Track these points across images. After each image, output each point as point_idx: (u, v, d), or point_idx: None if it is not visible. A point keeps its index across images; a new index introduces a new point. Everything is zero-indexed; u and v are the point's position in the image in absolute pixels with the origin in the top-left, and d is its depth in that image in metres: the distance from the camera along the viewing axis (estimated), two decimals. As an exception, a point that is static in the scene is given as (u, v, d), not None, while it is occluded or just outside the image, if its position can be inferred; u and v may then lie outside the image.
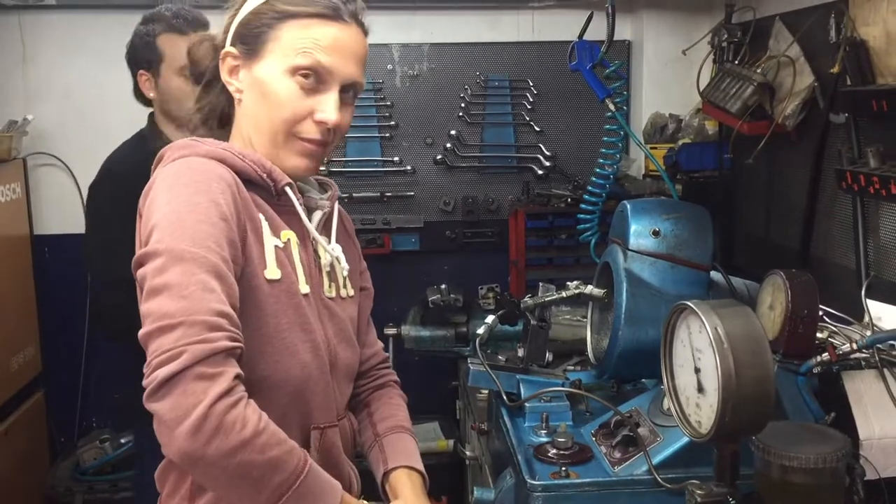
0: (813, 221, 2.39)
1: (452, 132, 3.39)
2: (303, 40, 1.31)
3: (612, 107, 2.27)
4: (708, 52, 2.83)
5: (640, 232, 1.91)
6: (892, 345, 1.66)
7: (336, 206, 1.48)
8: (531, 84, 3.40)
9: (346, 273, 1.46)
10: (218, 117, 1.44)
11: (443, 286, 3.01)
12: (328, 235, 1.44)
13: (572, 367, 2.32)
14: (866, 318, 1.81)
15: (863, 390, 1.64)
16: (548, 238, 3.25)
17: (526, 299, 1.98)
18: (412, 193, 3.42)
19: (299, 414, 1.32)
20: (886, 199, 1.94)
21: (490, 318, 2.04)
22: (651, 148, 3.19)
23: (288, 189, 1.34)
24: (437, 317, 2.99)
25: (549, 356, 2.03)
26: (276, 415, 1.21)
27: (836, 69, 2.15)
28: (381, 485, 1.49)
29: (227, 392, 1.12)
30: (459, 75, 3.39)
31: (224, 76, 1.37)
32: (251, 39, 1.34)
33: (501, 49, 3.39)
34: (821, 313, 1.76)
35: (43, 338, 3.23)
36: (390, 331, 3.00)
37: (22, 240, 3.12)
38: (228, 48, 1.37)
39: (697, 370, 1.35)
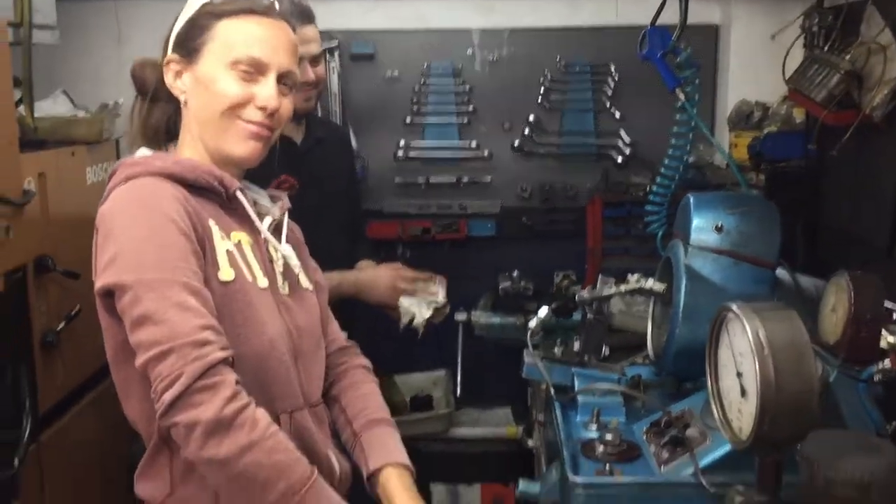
0: (901, 216, 2.26)
1: (531, 118, 3.35)
2: (236, 36, 1.42)
3: (682, 97, 2.21)
4: (797, 37, 2.71)
5: (703, 227, 1.85)
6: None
7: (286, 217, 1.56)
8: (613, 69, 3.32)
9: (298, 270, 1.52)
10: (165, 131, 1.53)
11: (514, 273, 3.01)
12: (278, 239, 1.52)
13: (641, 361, 2.28)
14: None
15: (930, 400, 1.56)
16: (625, 227, 3.19)
17: (582, 293, 1.95)
18: (489, 179, 3.40)
19: (262, 401, 1.34)
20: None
21: (543, 311, 2.02)
22: (735, 136, 3.09)
23: (238, 193, 1.44)
24: (508, 304, 2.99)
25: (605, 350, 2.00)
26: None
27: (927, 57, 2.03)
28: (369, 486, 1.53)
29: (233, 397, 1.22)
30: (540, 60, 3.33)
31: (169, 82, 1.46)
32: (189, 44, 1.45)
33: (583, 34, 3.32)
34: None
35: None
36: (461, 316, 3.00)
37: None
38: (170, 55, 1.46)
39: (739, 374, 1.31)
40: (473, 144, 3.38)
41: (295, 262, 1.51)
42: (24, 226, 2.09)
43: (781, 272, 1.89)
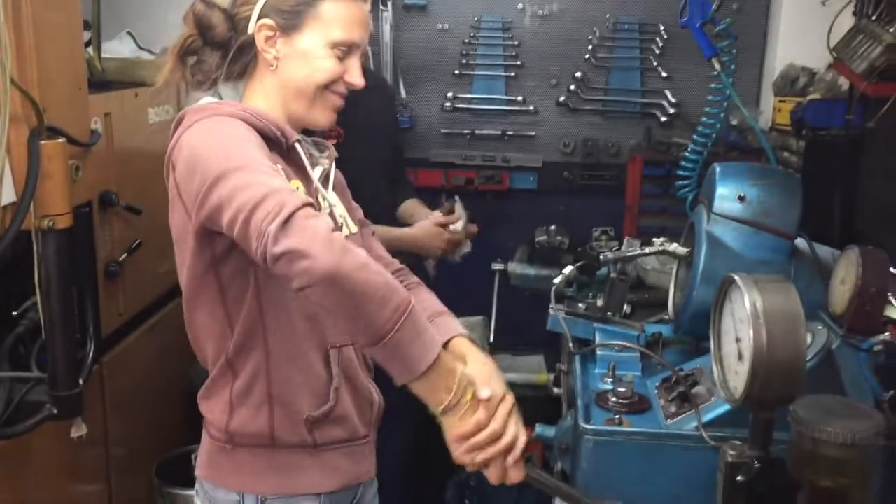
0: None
1: (577, 74, 3.41)
2: (340, 18, 1.50)
3: (717, 66, 2.25)
4: (846, 3, 2.70)
5: (726, 196, 1.93)
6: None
7: (333, 165, 1.64)
8: (662, 28, 3.35)
9: (341, 219, 1.60)
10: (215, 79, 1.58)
11: (551, 227, 3.11)
12: (326, 187, 1.60)
13: (667, 318, 2.38)
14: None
15: (927, 371, 1.64)
16: (664, 186, 3.26)
17: (607, 253, 2.05)
18: (533, 133, 3.48)
19: (315, 334, 1.48)
20: None
21: (568, 269, 2.12)
22: (780, 101, 3.10)
23: (297, 145, 1.52)
24: (544, 256, 3.10)
25: (627, 308, 2.10)
26: (294, 333, 1.45)
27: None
28: None
29: (335, 228, 1.29)
30: (589, 17, 3.38)
31: (261, 45, 1.51)
32: (290, 15, 1.50)
33: (634, -8, 3.36)
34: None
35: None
36: (497, 266, 3.13)
37: (174, 156, 3.42)
38: (266, 21, 1.50)
39: (738, 339, 1.42)
40: (519, 98, 3.45)
41: (340, 210, 1.61)
42: (91, 163, 2.24)
43: (801, 242, 1.96)
